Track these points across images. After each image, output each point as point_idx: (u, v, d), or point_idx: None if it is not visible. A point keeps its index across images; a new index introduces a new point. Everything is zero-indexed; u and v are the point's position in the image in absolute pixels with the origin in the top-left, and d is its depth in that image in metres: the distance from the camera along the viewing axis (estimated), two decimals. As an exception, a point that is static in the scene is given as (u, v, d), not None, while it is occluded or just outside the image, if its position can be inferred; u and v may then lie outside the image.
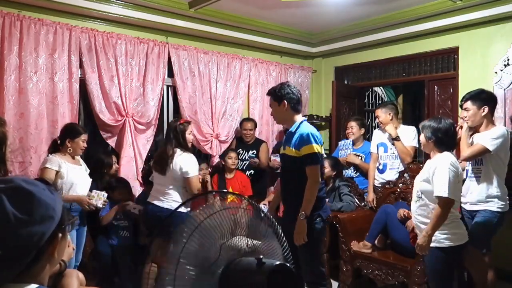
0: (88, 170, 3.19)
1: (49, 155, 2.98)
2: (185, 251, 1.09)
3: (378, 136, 3.97)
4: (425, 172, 2.55)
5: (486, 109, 2.90)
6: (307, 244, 2.56)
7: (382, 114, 3.84)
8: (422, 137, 2.63)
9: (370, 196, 3.87)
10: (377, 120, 3.93)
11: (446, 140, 2.52)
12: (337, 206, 3.77)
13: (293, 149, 2.57)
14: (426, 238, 2.43)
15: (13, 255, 0.83)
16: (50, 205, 0.89)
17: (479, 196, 2.91)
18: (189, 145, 3.15)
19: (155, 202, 3.10)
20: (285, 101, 2.62)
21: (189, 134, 3.14)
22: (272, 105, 2.73)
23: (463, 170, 3.01)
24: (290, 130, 2.65)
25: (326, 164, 3.94)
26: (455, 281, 2.74)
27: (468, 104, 2.94)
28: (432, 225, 2.41)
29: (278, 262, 1.10)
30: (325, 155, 4.81)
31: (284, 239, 1.36)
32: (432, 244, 2.48)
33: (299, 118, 2.67)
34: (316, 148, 2.52)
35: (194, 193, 2.99)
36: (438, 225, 2.41)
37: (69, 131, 3.05)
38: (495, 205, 2.87)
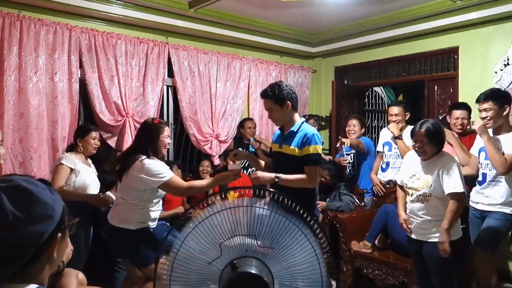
0: (96, 173, 3.20)
1: (65, 153, 3.05)
2: (183, 248, 1.09)
3: (385, 135, 3.95)
4: (432, 174, 2.53)
5: (508, 108, 2.79)
6: None
7: (402, 113, 3.76)
8: (429, 149, 2.54)
9: (376, 179, 3.93)
10: (394, 118, 3.78)
11: (441, 138, 2.58)
12: (335, 205, 3.77)
13: (296, 148, 2.51)
14: (447, 234, 2.44)
15: (10, 254, 0.83)
16: (49, 205, 0.89)
17: (495, 200, 2.84)
18: (164, 151, 2.62)
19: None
20: (288, 101, 2.52)
21: (166, 137, 2.59)
22: (272, 108, 2.56)
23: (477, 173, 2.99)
24: (291, 129, 2.57)
25: (326, 173, 3.97)
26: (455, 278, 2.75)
27: (489, 104, 2.77)
28: (450, 220, 2.44)
29: (251, 271, 1.09)
30: (324, 156, 4.85)
31: (325, 241, 1.32)
32: (436, 240, 2.51)
33: (298, 117, 2.64)
34: (319, 148, 2.50)
35: (179, 195, 2.59)
36: (455, 220, 2.46)
37: (78, 130, 3.14)
38: (509, 208, 2.81)
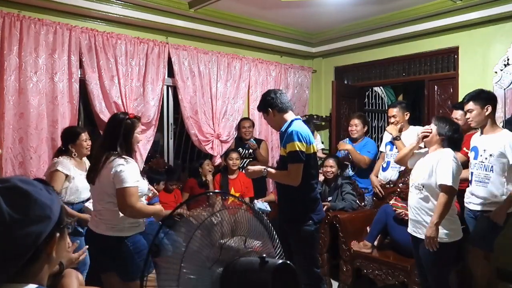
0: None
1: (59, 157, 2.95)
2: (187, 250, 1.08)
3: (387, 135, 3.97)
4: (427, 166, 2.57)
5: (490, 108, 2.87)
6: (300, 246, 2.57)
7: (400, 114, 3.79)
8: (433, 128, 2.61)
9: (375, 180, 3.92)
10: (392, 119, 3.82)
11: (458, 142, 2.62)
12: (339, 206, 3.76)
13: (283, 149, 2.59)
14: (434, 228, 2.44)
15: (9, 255, 0.83)
16: (47, 205, 0.89)
17: (485, 199, 2.89)
18: (135, 147, 2.43)
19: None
20: (269, 108, 2.67)
21: (138, 133, 2.39)
22: (264, 117, 2.78)
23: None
24: (281, 130, 2.67)
25: (333, 162, 3.95)
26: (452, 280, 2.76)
27: (471, 104, 2.90)
28: (438, 214, 2.44)
29: (281, 261, 1.10)
30: (324, 155, 4.85)
31: (278, 240, 1.35)
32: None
33: (289, 116, 2.67)
34: (298, 146, 2.48)
35: (126, 212, 2.18)
36: (444, 214, 2.45)
37: (68, 136, 3.03)
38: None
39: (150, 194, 2.57)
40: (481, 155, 2.94)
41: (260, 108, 2.75)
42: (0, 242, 0.82)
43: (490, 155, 2.87)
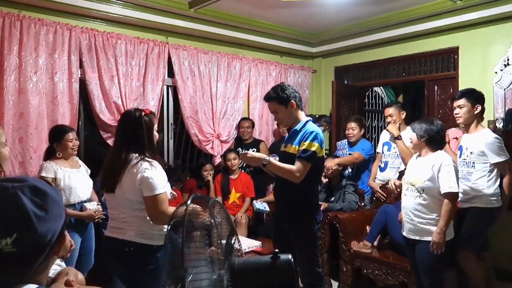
0: (89, 171, 3.14)
1: (44, 162, 2.90)
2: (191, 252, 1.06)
3: (385, 135, 3.99)
4: (426, 170, 2.58)
5: (479, 108, 2.96)
6: (303, 246, 2.57)
7: (396, 112, 3.82)
8: (413, 136, 2.70)
9: (375, 185, 3.92)
10: (389, 119, 3.84)
11: (438, 139, 2.65)
12: (336, 207, 3.76)
13: (296, 147, 2.52)
14: (442, 234, 2.49)
15: (31, 253, 0.84)
16: (60, 203, 0.93)
17: (467, 195, 2.98)
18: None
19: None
20: (292, 100, 2.55)
21: (156, 130, 2.16)
22: (277, 109, 2.59)
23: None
24: (295, 128, 2.59)
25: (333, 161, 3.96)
26: (447, 281, 2.78)
27: (463, 100, 2.97)
28: (445, 220, 2.49)
29: (290, 255, 1.08)
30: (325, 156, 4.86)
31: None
32: (425, 238, 2.55)
33: (303, 116, 2.64)
34: (315, 147, 2.46)
35: (158, 220, 1.97)
36: (450, 220, 2.52)
37: (54, 134, 2.97)
38: (483, 202, 2.92)
39: (170, 197, 2.32)
40: (464, 153, 3.02)
41: (282, 99, 2.54)
42: (25, 240, 0.83)
43: (471, 152, 2.96)
